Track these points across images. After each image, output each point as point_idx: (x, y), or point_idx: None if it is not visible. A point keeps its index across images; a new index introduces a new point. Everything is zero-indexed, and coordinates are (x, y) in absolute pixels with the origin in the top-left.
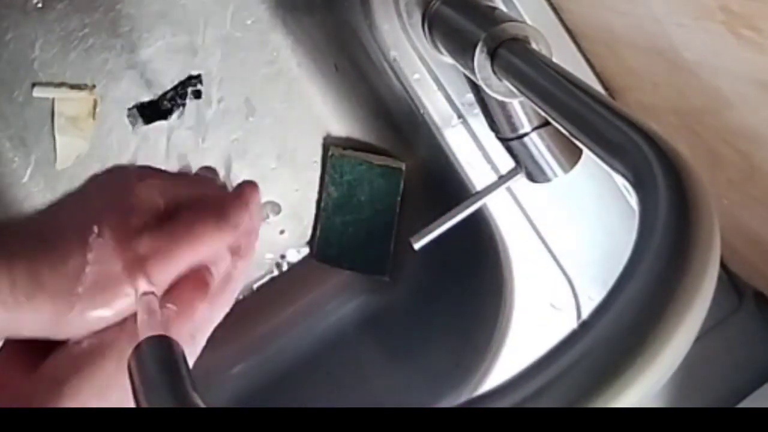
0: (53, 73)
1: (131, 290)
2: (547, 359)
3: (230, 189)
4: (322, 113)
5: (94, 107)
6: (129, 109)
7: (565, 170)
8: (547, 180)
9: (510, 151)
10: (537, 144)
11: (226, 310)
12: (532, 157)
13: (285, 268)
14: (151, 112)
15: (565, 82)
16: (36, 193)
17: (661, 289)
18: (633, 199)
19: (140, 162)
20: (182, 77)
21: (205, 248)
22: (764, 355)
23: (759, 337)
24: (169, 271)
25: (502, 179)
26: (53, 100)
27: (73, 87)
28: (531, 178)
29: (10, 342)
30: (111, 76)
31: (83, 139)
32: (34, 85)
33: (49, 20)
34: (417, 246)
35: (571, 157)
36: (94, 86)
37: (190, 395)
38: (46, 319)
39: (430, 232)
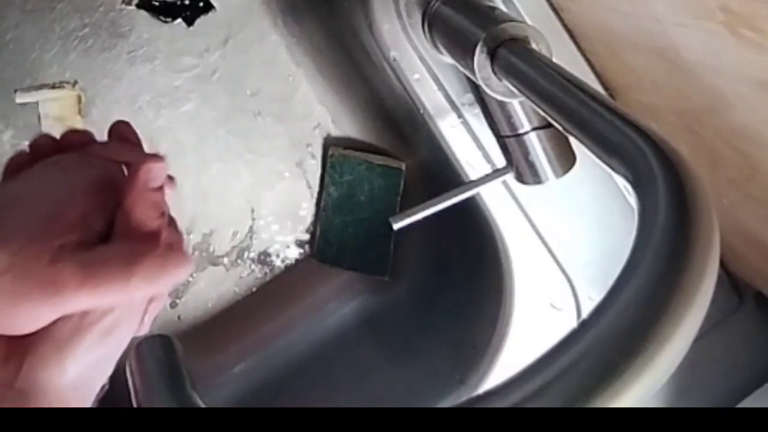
0: (53, 74)
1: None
2: (547, 359)
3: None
4: (322, 113)
5: (80, 103)
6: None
7: (558, 175)
8: (537, 182)
9: (504, 148)
10: (534, 144)
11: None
12: (526, 157)
13: (285, 268)
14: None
15: (565, 82)
16: None
17: (660, 289)
18: (633, 199)
19: None
20: (183, 77)
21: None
22: (764, 355)
23: (759, 337)
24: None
25: (492, 175)
26: (38, 102)
27: (54, 87)
28: (520, 178)
29: None
30: (112, 75)
31: None
32: (16, 91)
33: (49, 20)
34: (396, 226)
35: (565, 162)
36: (76, 82)
37: (190, 395)
38: None
39: (412, 215)
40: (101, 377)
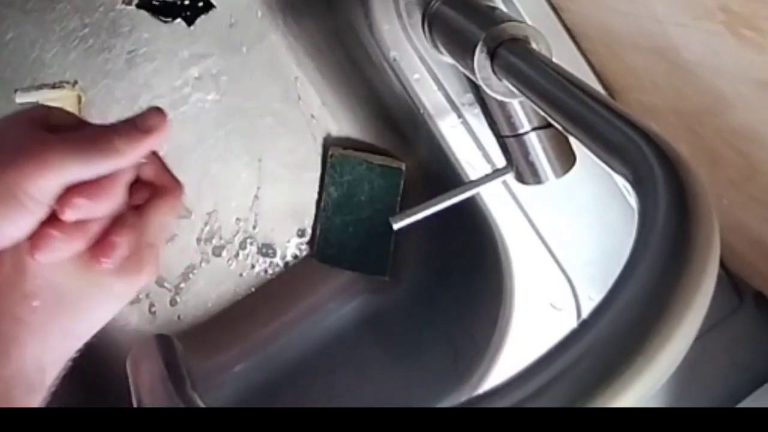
0: (53, 74)
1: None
2: (547, 359)
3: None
4: (322, 113)
5: (80, 103)
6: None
7: (558, 175)
8: (537, 182)
9: (504, 148)
10: (534, 144)
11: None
12: (526, 156)
13: (285, 268)
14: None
15: (565, 82)
16: None
17: (660, 289)
18: (633, 199)
19: None
20: (183, 77)
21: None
22: (764, 355)
23: (759, 337)
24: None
25: (492, 175)
26: (37, 102)
27: (54, 87)
28: (520, 178)
29: None
30: (112, 75)
31: None
32: (16, 91)
33: (49, 20)
34: (396, 226)
35: (565, 162)
36: (76, 82)
37: (190, 395)
38: None
39: (412, 215)
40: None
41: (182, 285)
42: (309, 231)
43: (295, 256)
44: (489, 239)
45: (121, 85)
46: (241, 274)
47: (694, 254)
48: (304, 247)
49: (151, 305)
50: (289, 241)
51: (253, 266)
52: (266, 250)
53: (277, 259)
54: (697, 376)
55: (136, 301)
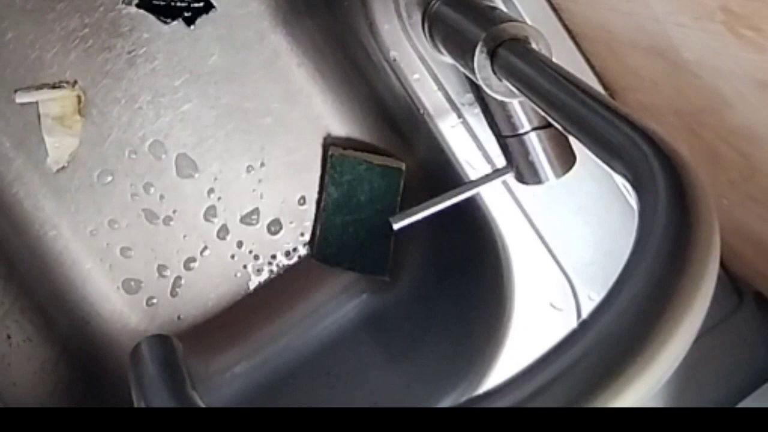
0: (53, 74)
1: None
2: (547, 359)
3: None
4: (322, 113)
5: (80, 103)
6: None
7: (557, 175)
8: (537, 182)
9: (505, 148)
10: (534, 144)
11: None
12: (526, 156)
13: (285, 268)
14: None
15: (565, 82)
16: (37, 192)
17: (660, 289)
18: (633, 199)
19: (131, 165)
20: (183, 77)
21: None
22: (764, 355)
23: (759, 337)
24: None
25: (492, 175)
26: (38, 102)
27: (54, 86)
28: (520, 178)
29: None
30: (112, 75)
31: (73, 136)
32: (16, 91)
33: (49, 20)
34: (396, 226)
35: (565, 162)
36: (75, 82)
37: (190, 395)
38: None
39: (412, 215)
40: None
41: (182, 281)
42: (309, 231)
43: (295, 257)
44: (489, 239)
45: (121, 85)
46: (240, 275)
47: (695, 254)
48: (304, 247)
49: (150, 298)
50: (288, 242)
51: (252, 266)
52: (266, 249)
53: (277, 260)
54: (697, 376)
55: (134, 291)
